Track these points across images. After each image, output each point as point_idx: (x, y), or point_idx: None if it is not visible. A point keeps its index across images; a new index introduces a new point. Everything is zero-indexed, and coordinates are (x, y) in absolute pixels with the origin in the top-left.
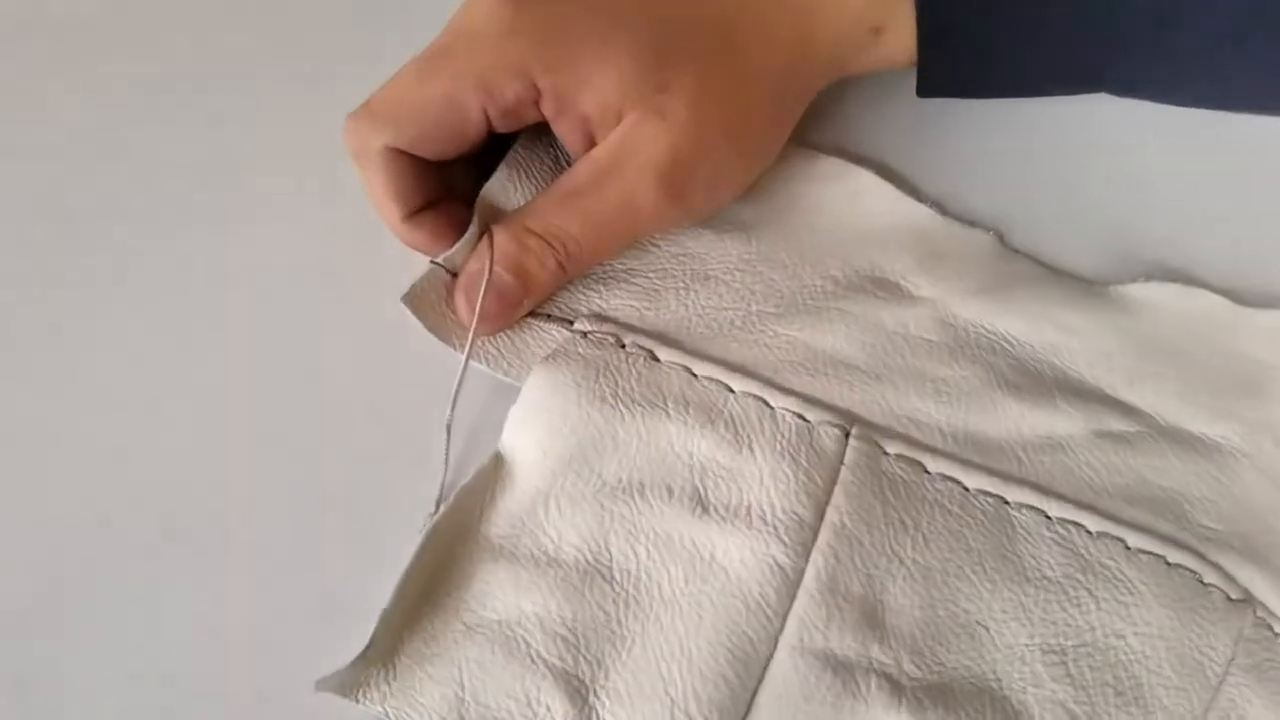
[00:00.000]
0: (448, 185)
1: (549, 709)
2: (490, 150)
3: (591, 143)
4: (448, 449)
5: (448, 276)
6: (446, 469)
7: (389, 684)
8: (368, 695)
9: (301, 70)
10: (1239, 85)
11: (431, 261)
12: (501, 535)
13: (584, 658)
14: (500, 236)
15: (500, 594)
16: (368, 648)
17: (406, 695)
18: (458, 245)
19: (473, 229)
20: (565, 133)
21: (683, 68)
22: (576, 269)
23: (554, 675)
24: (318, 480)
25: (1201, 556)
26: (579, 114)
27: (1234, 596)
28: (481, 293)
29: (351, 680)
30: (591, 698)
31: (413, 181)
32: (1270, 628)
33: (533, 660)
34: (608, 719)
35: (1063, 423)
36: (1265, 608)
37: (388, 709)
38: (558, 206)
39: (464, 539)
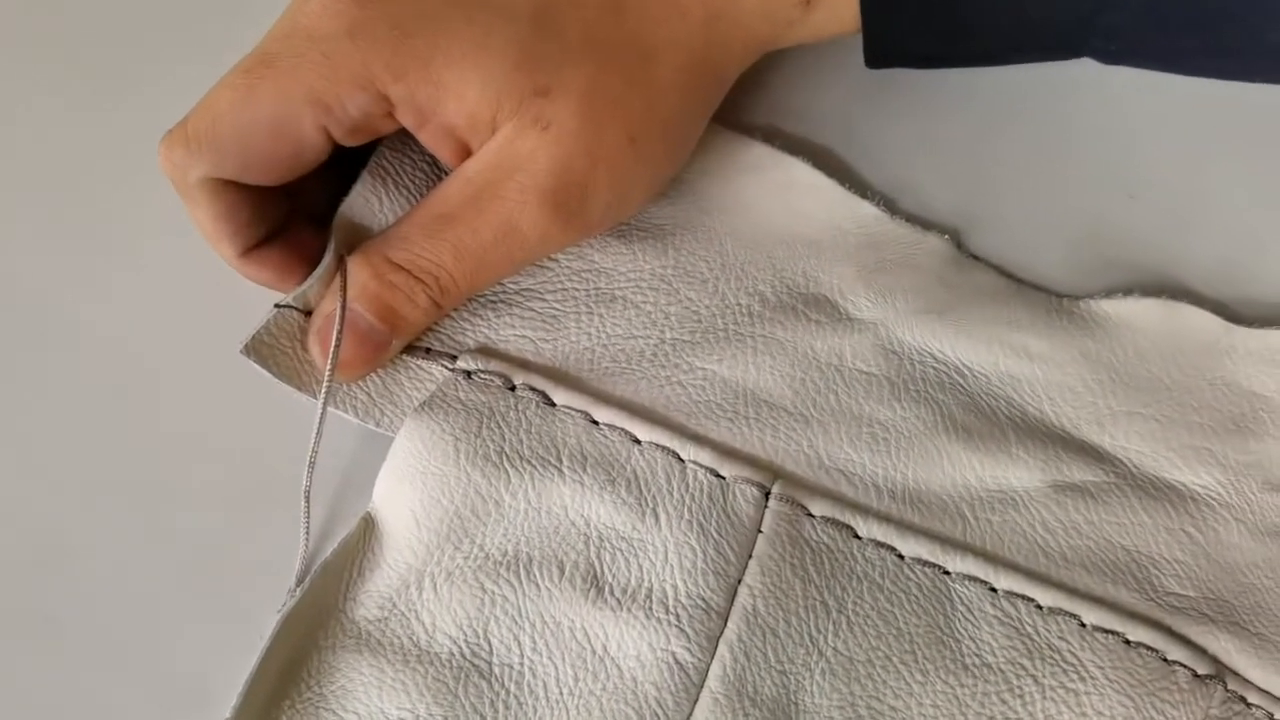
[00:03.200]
0: (297, 204)
1: None
2: (352, 153)
3: (465, 152)
4: (306, 519)
5: (301, 317)
6: (306, 542)
7: None
8: None
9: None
10: (1258, 52)
11: (275, 305)
12: (369, 619)
13: None
14: (360, 271)
15: (363, 693)
16: None
17: None
18: (308, 281)
19: (327, 260)
20: (431, 145)
21: (567, 65)
22: (453, 303)
23: None
24: (164, 553)
25: (1168, 631)
26: (443, 125)
27: (1201, 672)
28: (335, 338)
29: None
30: None
31: (247, 213)
32: (1243, 699)
33: None
34: None
35: (1017, 473)
36: (1240, 677)
37: None
38: (426, 234)
39: (326, 621)
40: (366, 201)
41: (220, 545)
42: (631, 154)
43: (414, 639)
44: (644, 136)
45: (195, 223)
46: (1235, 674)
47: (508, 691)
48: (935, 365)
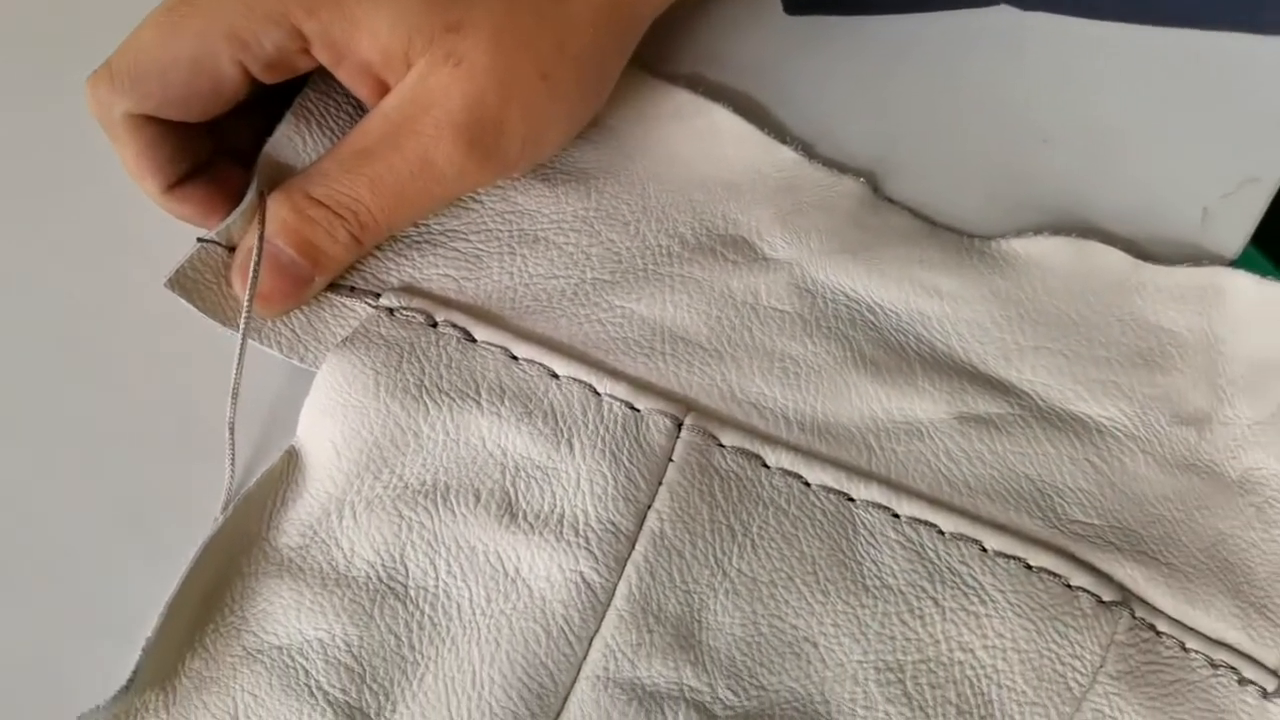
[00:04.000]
0: (222, 143)
1: None
2: (280, 94)
3: (383, 89)
4: (231, 451)
5: (225, 253)
6: (232, 472)
7: (166, 710)
8: None
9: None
10: None
11: (198, 240)
12: (291, 546)
13: (369, 688)
14: (280, 206)
15: (282, 615)
16: (130, 680)
17: None
18: (231, 217)
19: (249, 196)
20: (349, 82)
21: (477, 2)
22: (373, 239)
23: (334, 709)
24: (92, 487)
25: (1071, 557)
26: (359, 61)
27: (1107, 599)
28: (252, 270)
29: (123, 710)
30: None
31: (170, 149)
32: (1152, 627)
33: (312, 693)
34: None
35: (923, 405)
36: (1148, 605)
37: None
38: (345, 170)
39: (249, 549)
40: (290, 141)
41: (149, 480)
42: (544, 90)
43: (333, 564)
44: (556, 73)
45: (121, 159)
46: (1144, 602)
47: (422, 613)
48: (847, 303)
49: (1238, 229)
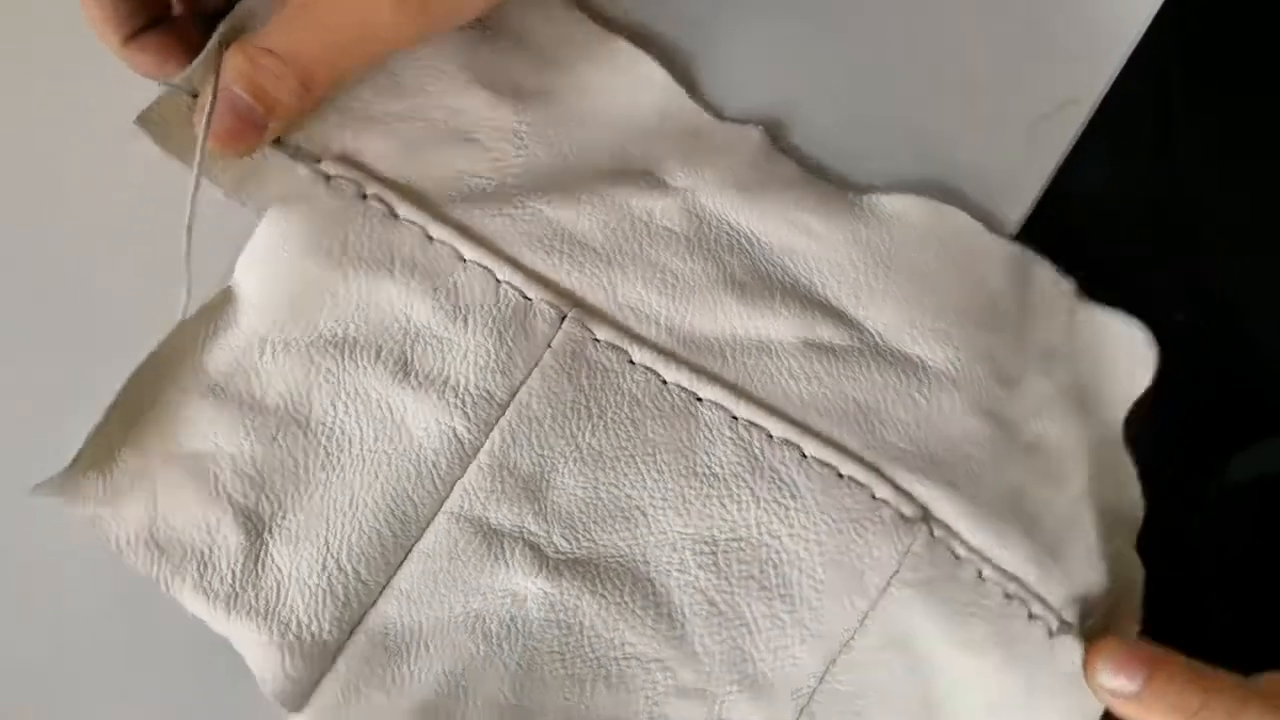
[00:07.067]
0: (199, 5)
1: (226, 538)
2: None
3: None
4: (189, 275)
5: (190, 100)
6: (188, 299)
7: (102, 492)
8: (83, 499)
9: None
10: None
11: (161, 82)
12: (219, 371)
13: (266, 497)
14: (235, 55)
15: (204, 428)
16: (74, 461)
17: (112, 504)
18: (193, 65)
19: (210, 46)
20: None
21: None
22: (319, 89)
23: (235, 510)
24: (55, 314)
25: (878, 472)
26: None
27: (907, 514)
28: (208, 109)
29: (69, 485)
30: (266, 534)
31: (132, 3)
32: (950, 549)
33: (218, 494)
34: (275, 554)
35: (776, 326)
36: (948, 529)
37: (94, 514)
38: (291, 23)
39: (185, 367)
40: (253, 10)
41: (118, 301)
42: None
43: (251, 392)
44: None
45: (83, 10)
46: (945, 526)
47: (319, 442)
48: (729, 231)
49: (1056, 147)
